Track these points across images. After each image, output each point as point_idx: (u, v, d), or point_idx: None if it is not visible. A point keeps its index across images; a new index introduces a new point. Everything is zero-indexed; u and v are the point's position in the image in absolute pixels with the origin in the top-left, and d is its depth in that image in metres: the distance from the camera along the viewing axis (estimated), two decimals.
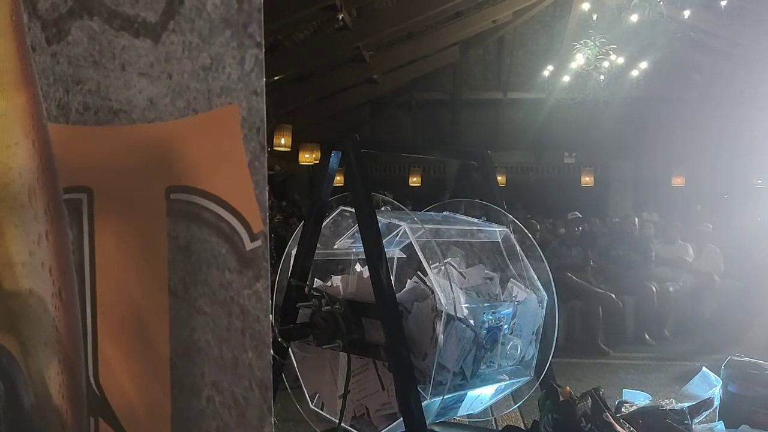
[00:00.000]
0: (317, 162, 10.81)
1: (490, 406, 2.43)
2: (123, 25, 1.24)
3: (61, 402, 1.35)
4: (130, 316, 1.30)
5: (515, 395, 2.51)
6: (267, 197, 1.12)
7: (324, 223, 2.28)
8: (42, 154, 1.32)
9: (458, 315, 1.99)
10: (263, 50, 1.12)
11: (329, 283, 2.29)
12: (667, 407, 2.68)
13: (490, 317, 2.10)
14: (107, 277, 1.32)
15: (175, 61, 1.20)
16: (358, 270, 2.27)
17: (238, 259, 1.16)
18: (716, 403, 3.03)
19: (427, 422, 1.96)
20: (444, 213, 2.52)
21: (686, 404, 2.83)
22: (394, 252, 2.50)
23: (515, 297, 2.25)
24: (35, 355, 1.35)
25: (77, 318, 1.33)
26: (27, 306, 1.34)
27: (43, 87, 1.32)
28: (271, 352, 1.16)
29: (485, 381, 2.15)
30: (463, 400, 2.17)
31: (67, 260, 1.33)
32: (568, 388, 2.40)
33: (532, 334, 2.28)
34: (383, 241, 2.10)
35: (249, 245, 1.15)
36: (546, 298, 2.30)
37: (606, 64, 9.81)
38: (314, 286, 2.24)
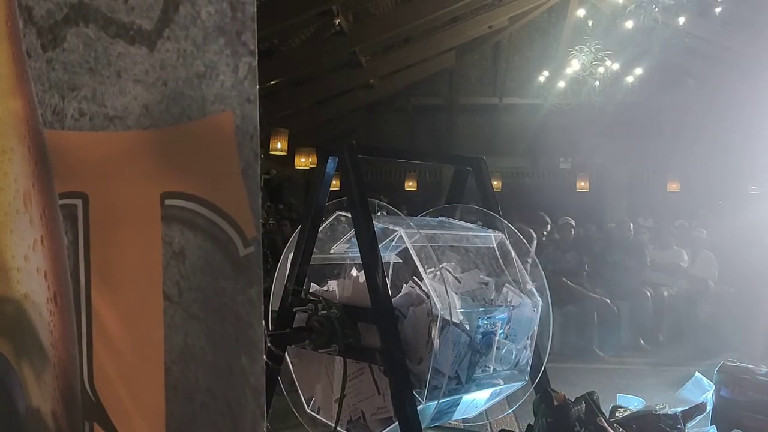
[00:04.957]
0: (313, 166, 10.87)
1: (485, 410, 2.43)
2: (118, 33, 1.25)
3: (56, 406, 1.35)
4: (124, 321, 1.30)
5: (510, 399, 2.52)
6: (260, 204, 1.13)
7: (320, 228, 2.28)
8: (37, 160, 1.33)
9: (454, 320, 1.99)
10: (256, 58, 1.14)
11: (325, 288, 2.30)
12: (660, 412, 2.69)
13: (485, 322, 2.11)
14: (102, 282, 1.32)
15: (170, 68, 1.21)
16: (355, 275, 2.28)
17: (231, 266, 1.17)
18: (709, 407, 3.04)
19: (423, 426, 1.97)
20: (439, 218, 2.53)
21: (679, 409, 2.85)
22: (389, 257, 2.51)
23: (510, 302, 2.26)
24: (30, 359, 1.35)
25: (72, 323, 1.34)
26: (22, 311, 1.34)
27: (38, 93, 1.32)
28: (264, 358, 1.16)
29: (480, 385, 2.15)
30: (458, 405, 2.17)
31: (62, 265, 1.34)
32: (562, 392, 2.41)
33: (527, 338, 2.29)
34: (379, 246, 2.10)
35: (242, 251, 1.15)
36: (541, 302, 2.31)
37: (601, 70, 9.84)
38: (310, 290, 2.24)
